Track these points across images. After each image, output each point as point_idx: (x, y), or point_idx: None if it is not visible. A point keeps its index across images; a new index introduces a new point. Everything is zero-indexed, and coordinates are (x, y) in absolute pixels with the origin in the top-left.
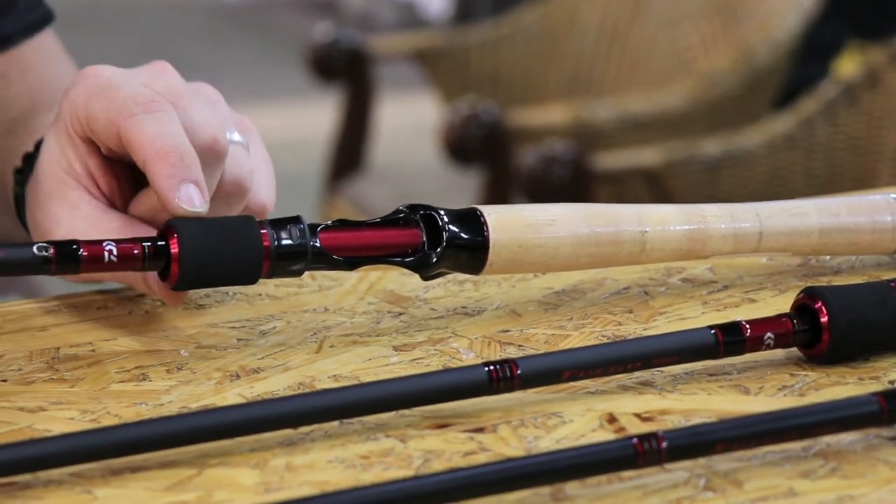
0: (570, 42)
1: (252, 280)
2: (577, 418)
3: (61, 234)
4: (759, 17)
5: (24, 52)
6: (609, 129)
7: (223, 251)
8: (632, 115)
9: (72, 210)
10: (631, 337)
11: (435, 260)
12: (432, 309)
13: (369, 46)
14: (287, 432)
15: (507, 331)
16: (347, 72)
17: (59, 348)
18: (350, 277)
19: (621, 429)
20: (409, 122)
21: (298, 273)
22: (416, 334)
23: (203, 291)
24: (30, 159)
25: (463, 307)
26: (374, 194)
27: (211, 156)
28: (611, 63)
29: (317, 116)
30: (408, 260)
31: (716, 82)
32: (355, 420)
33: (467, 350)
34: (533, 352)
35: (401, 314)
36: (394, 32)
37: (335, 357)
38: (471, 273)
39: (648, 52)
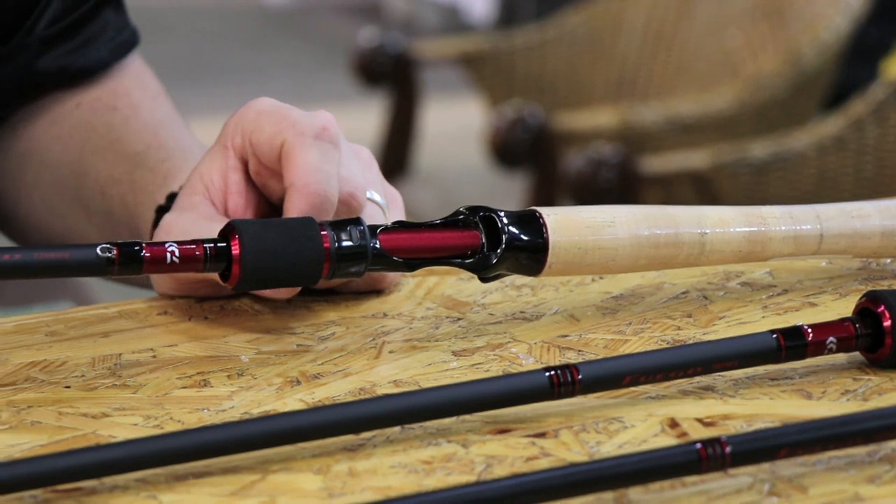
0: (616, 45)
1: (313, 281)
2: (639, 423)
3: (168, 216)
4: (806, 19)
5: (122, 82)
6: (656, 132)
7: (284, 252)
8: (679, 117)
9: (188, 211)
10: (691, 341)
11: (495, 261)
12: (490, 314)
13: (414, 51)
14: (349, 438)
15: (565, 336)
16: (393, 76)
17: (121, 354)
18: (407, 283)
19: (683, 434)
20: (455, 126)
21: (359, 274)
22: (476, 339)
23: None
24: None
25: (521, 312)
26: (420, 198)
27: (344, 208)
28: (656, 66)
29: (362, 121)
30: (467, 261)
31: (763, 85)
32: (416, 425)
33: (527, 355)
34: (592, 357)
35: (459, 319)
36: (438, 36)
37: (395, 362)
38: (529, 275)
39: (694, 54)
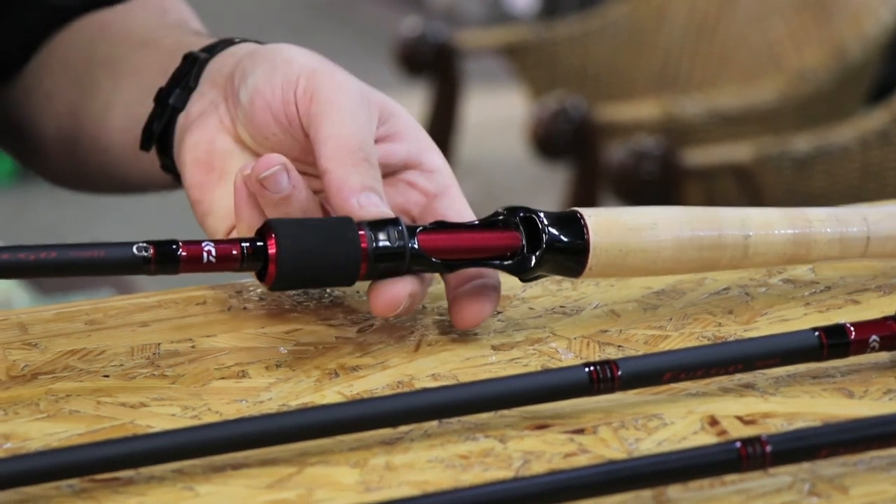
0: (659, 36)
1: (349, 282)
2: (679, 420)
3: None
4: (850, 11)
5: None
6: (699, 125)
7: (321, 252)
8: (721, 110)
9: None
10: (732, 338)
11: (534, 263)
12: (530, 308)
13: (456, 41)
14: (386, 431)
15: (606, 331)
16: (434, 66)
17: (159, 344)
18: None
19: (723, 432)
20: (497, 116)
21: (396, 275)
22: (515, 334)
23: (301, 289)
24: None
25: (561, 307)
26: (462, 189)
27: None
28: (699, 58)
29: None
30: (507, 263)
31: (807, 78)
32: (454, 420)
33: (566, 350)
34: (632, 353)
35: (499, 313)
36: (480, 27)
37: (434, 356)
38: (570, 276)
39: (737, 46)
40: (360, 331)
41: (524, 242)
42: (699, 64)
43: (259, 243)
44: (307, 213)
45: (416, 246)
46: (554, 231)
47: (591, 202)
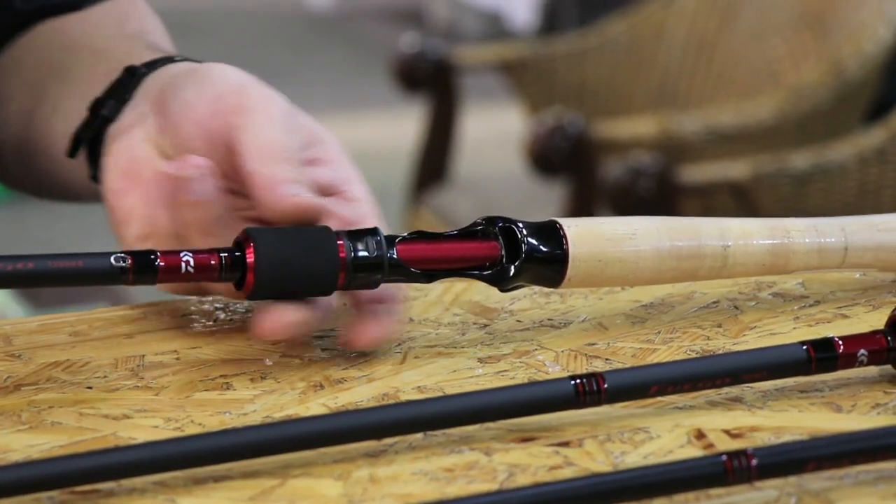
0: (657, 53)
1: (328, 291)
2: (665, 434)
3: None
4: (849, 29)
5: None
6: (696, 142)
7: (299, 262)
8: (719, 127)
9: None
10: (720, 352)
11: (513, 273)
12: (518, 321)
13: (455, 57)
14: (371, 444)
15: (593, 344)
16: (433, 82)
17: (144, 356)
18: (435, 288)
19: (710, 445)
20: (494, 133)
21: (375, 285)
22: (502, 346)
23: None
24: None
25: (549, 319)
26: (458, 205)
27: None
28: (698, 75)
29: (402, 127)
30: (486, 273)
31: (805, 95)
32: (439, 432)
33: (553, 363)
34: (620, 366)
35: (486, 326)
36: (479, 43)
37: (420, 368)
38: (549, 286)
39: (736, 64)
40: (345, 343)
41: (503, 252)
42: (697, 81)
43: (237, 253)
44: (220, 221)
45: (394, 256)
46: (533, 241)
47: None
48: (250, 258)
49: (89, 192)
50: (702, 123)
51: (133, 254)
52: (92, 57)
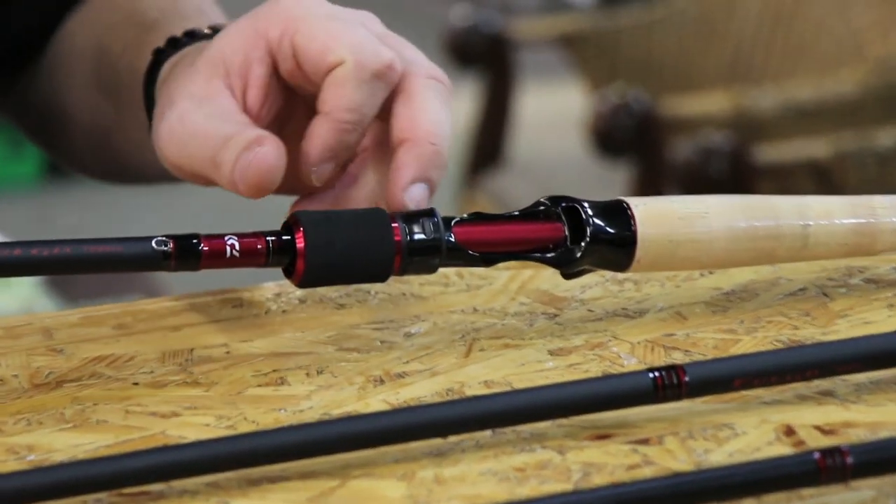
0: (729, 25)
1: (382, 278)
2: (751, 430)
3: (182, 101)
4: None
5: None
6: (772, 119)
7: (352, 246)
8: (798, 103)
9: (204, 102)
10: (809, 342)
11: (578, 255)
12: (590, 310)
13: (511, 31)
14: (435, 442)
15: (671, 334)
16: (487, 58)
17: (192, 349)
18: (499, 276)
19: (800, 442)
20: (553, 111)
21: (432, 269)
22: (573, 337)
23: (344, 290)
24: (174, 43)
25: (623, 309)
26: (515, 189)
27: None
28: (774, 47)
29: (454, 106)
30: (548, 256)
31: (892, 67)
32: (508, 429)
33: (629, 355)
34: (700, 358)
35: (556, 315)
36: (536, 16)
37: (486, 361)
38: (616, 270)
39: (816, 35)
40: (407, 335)
41: (567, 234)
42: (774, 54)
43: (286, 237)
44: (338, 201)
45: (452, 238)
46: (599, 221)
47: None
48: (300, 243)
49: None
50: (779, 99)
51: (175, 237)
52: (147, 33)
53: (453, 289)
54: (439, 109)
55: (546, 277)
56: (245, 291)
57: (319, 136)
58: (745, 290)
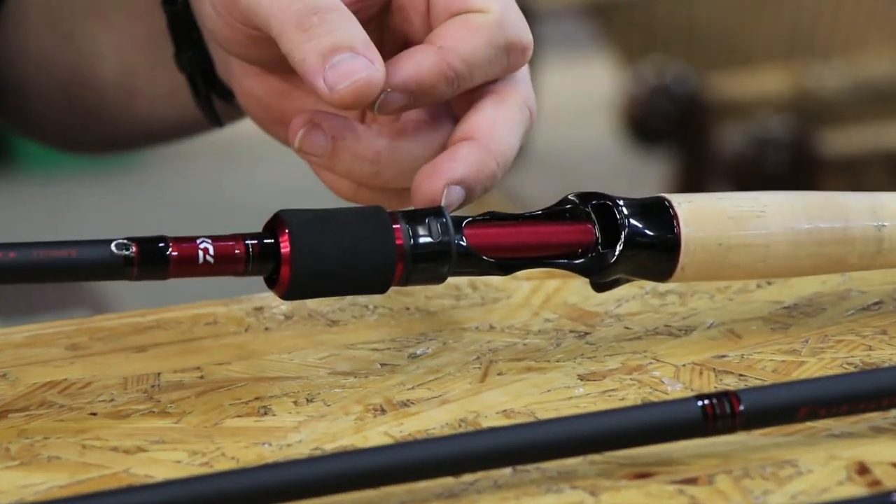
0: None
1: (382, 288)
2: (818, 468)
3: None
4: None
5: None
6: (841, 102)
7: (346, 251)
8: (871, 82)
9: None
10: (886, 365)
11: (612, 262)
12: (626, 328)
13: None
14: (446, 482)
15: (723, 356)
16: None
17: (160, 374)
18: (521, 288)
19: (875, 482)
20: (578, 93)
21: (440, 279)
22: (607, 360)
23: (337, 303)
24: None
25: (666, 326)
26: (535, 185)
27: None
28: (842, 15)
29: None
30: (577, 262)
31: None
32: (532, 467)
33: (673, 380)
34: (758, 383)
35: (587, 334)
36: None
37: (505, 387)
38: (656, 280)
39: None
40: (412, 356)
41: (598, 236)
42: (842, 23)
43: (268, 240)
44: (379, 156)
45: (463, 242)
46: (635, 222)
47: None
48: (285, 248)
49: (162, 128)
50: (848, 76)
51: (139, 240)
52: None
53: (466, 302)
54: (517, 138)
55: (575, 289)
56: (221, 306)
57: (418, 64)
58: (809, 303)
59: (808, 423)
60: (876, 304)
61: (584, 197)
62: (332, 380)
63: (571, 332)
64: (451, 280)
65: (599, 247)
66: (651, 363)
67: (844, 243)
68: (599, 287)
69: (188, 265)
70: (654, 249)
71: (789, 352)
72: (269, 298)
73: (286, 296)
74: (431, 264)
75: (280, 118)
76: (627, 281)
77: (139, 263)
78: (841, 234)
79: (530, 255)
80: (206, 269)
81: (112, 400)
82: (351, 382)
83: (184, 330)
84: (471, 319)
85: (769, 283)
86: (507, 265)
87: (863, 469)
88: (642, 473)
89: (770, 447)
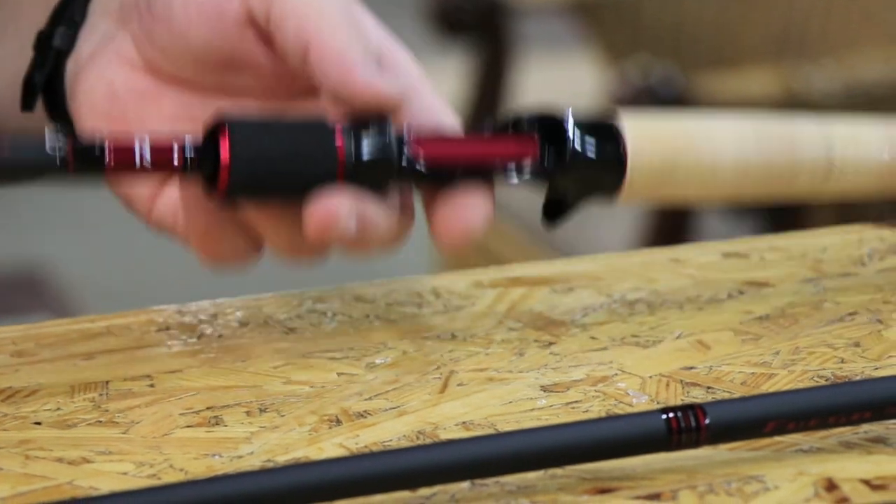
0: None
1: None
2: (785, 484)
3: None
4: None
5: None
6: (832, 104)
7: (286, 158)
8: (863, 84)
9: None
10: (857, 378)
11: (557, 175)
12: (592, 337)
13: None
14: (402, 495)
15: (691, 367)
16: (479, 27)
17: (108, 382)
18: (485, 296)
19: (844, 499)
20: (560, 93)
21: (381, 188)
22: (572, 370)
23: (294, 311)
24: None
25: (633, 336)
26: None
27: None
28: (834, 13)
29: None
30: (522, 176)
31: None
32: (491, 481)
33: (639, 392)
34: (726, 395)
35: (551, 344)
36: None
37: (465, 399)
38: (604, 199)
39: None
40: (370, 365)
41: (545, 150)
42: (834, 22)
43: (209, 143)
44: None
45: (407, 153)
46: (583, 137)
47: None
48: (224, 152)
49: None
50: (839, 77)
51: (73, 137)
52: None
53: (428, 310)
54: (485, 214)
55: (541, 298)
56: (174, 312)
57: None
58: (782, 314)
59: (777, 438)
60: (850, 314)
61: (532, 114)
62: (286, 389)
63: (536, 341)
64: (413, 287)
65: (546, 162)
66: (617, 374)
67: (793, 168)
68: (551, 216)
69: (125, 165)
70: (602, 165)
71: (759, 364)
72: (222, 305)
73: (224, 201)
74: (373, 175)
75: (119, 117)
76: (575, 206)
77: (74, 160)
78: (790, 157)
79: (475, 167)
80: (143, 171)
81: (58, 409)
82: (306, 392)
83: (135, 337)
84: (433, 328)
85: (741, 293)
86: (448, 178)
87: (831, 485)
88: (604, 489)
89: (736, 462)
